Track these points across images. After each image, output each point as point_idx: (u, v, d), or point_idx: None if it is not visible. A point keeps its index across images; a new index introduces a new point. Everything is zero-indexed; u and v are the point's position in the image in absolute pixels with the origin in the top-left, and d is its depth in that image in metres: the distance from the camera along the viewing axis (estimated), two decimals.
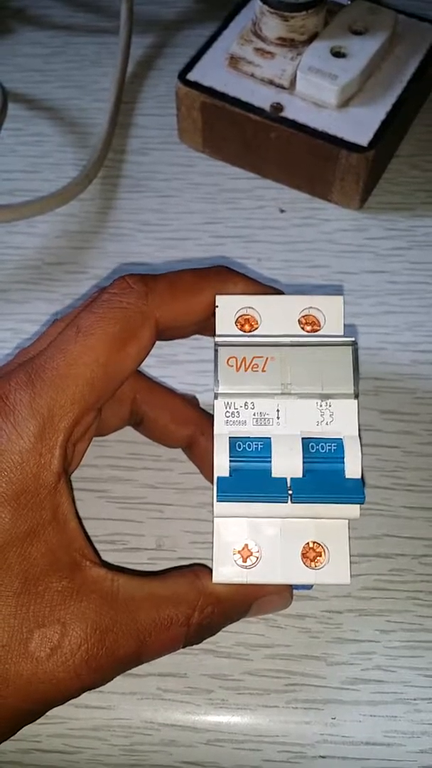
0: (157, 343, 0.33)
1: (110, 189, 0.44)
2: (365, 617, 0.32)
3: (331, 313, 0.28)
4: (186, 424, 0.33)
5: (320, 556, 0.27)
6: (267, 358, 0.27)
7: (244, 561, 0.27)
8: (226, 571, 0.27)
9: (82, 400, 0.27)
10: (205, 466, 0.33)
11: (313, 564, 0.27)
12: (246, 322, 0.28)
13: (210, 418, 0.33)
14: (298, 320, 0.28)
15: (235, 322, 0.28)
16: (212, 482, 0.33)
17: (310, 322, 0.28)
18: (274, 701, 0.31)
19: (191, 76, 0.42)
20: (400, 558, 0.33)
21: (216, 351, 0.27)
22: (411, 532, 0.34)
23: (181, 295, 0.29)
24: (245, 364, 0.27)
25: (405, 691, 0.31)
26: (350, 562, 0.27)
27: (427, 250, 0.41)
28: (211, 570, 0.27)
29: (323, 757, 0.30)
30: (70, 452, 0.28)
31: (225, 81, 0.42)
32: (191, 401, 0.36)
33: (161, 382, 0.37)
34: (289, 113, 0.41)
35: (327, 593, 0.33)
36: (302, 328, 0.28)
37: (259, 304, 0.28)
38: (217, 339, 0.28)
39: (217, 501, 0.26)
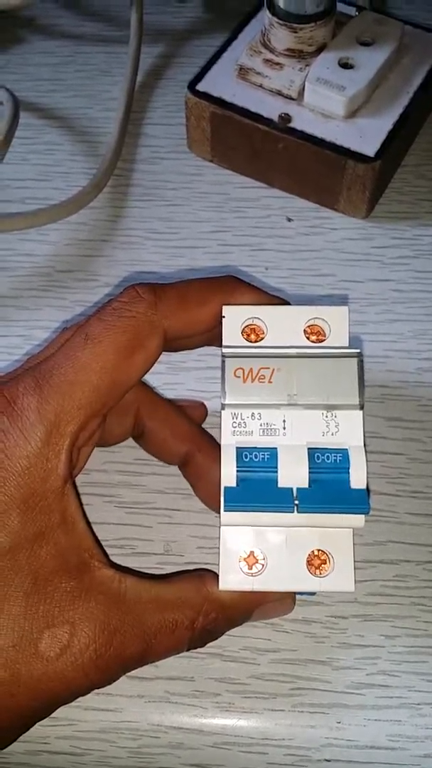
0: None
1: (120, 198, 0.44)
2: (370, 622, 0.33)
3: (337, 323, 0.28)
4: (184, 441, 0.33)
5: (325, 564, 0.27)
6: (273, 369, 0.27)
7: (250, 568, 0.27)
8: (232, 579, 0.27)
9: (88, 406, 0.27)
10: (200, 484, 0.33)
11: (318, 572, 0.27)
12: (252, 332, 0.28)
13: (209, 436, 0.34)
14: (304, 330, 0.28)
15: (241, 332, 0.29)
16: (204, 502, 0.33)
17: (315, 332, 0.28)
18: (280, 705, 0.31)
19: (201, 86, 0.43)
20: (404, 564, 0.34)
21: (223, 362, 0.28)
22: (416, 539, 0.34)
23: (189, 305, 0.29)
24: (252, 375, 0.27)
25: (409, 695, 0.31)
26: (355, 571, 0.27)
27: None
28: (216, 575, 0.28)
29: (328, 760, 0.31)
30: (75, 456, 0.28)
31: (234, 91, 0.43)
32: (199, 408, 0.36)
33: (170, 388, 0.38)
34: (297, 124, 0.42)
35: (332, 598, 0.33)
36: (307, 338, 0.28)
37: (265, 315, 0.29)
38: (224, 350, 0.28)
39: (224, 510, 0.26)
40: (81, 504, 0.28)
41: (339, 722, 0.31)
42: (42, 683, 0.26)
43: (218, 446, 0.32)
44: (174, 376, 0.38)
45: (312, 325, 0.28)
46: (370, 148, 0.41)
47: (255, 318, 0.29)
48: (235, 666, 0.32)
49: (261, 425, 0.27)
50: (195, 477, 0.34)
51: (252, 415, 0.27)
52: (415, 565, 0.34)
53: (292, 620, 0.32)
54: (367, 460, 0.27)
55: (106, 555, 0.28)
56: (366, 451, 0.27)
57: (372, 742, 0.31)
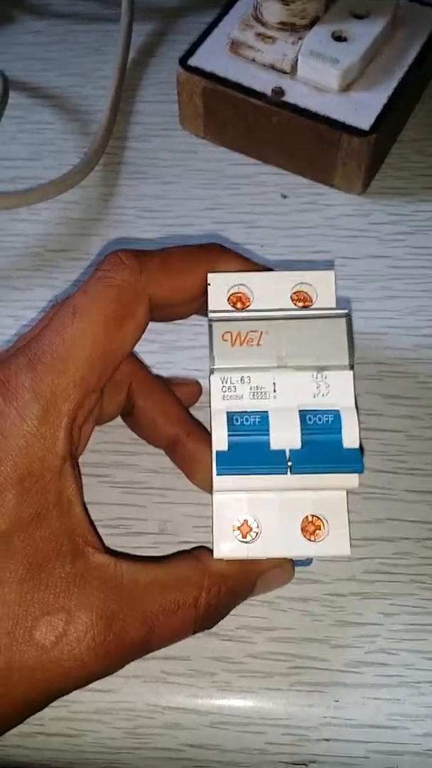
0: (160, 328, 0.33)
1: (112, 176, 0.44)
2: (368, 600, 0.32)
3: (323, 287, 0.28)
4: (173, 423, 0.33)
5: (320, 529, 0.27)
6: (261, 332, 0.27)
7: (244, 537, 0.27)
8: (226, 547, 0.27)
9: (83, 382, 0.27)
10: (190, 469, 0.33)
11: (312, 537, 0.27)
12: (238, 300, 0.28)
13: (198, 421, 0.33)
14: (290, 296, 0.28)
15: (228, 300, 0.28)
16: (197, 485, 0.33)
17: (301, 299, 0.28)
18: (277, 684, 0.31)
19: (192, 61, 0.42)
20: (403, 541, 0.33)
21: (210, 327, 0.27)
22: (414, 516, 0.34)
23: (174, 272, 0.28)
24: (240, 339, 0.27)
25: (408, 674, 0.31)
26: (350, 534, 0.27)
27: (430, 235, 0.41)
28: (212, 551, 0.27)
29: (327, 739, 0.30)
30: (76, 435, 0.28)
31: (226, 66, 0.42)
32: (193, 386, 0.36)
33: (164, 367, 0.37)
34: (290, 98, 0.41)
35: (329, 576, 0.32)
36: (294, 304, 0.28)
37: (251, 281, 0.28)
38: (210, 315, 0.27)
39: (216, 475, 0.26)
40: (80, 486, 0.27)
41: (337, 701, 0.31)
42: (37, 672, 0.25)
43: (207, 431, 0.32)
44: (168, 355, 0.38)
45: (298, 291, 0.28)
46: (365, 122, 0.40)
47: (241, 285, 0.28)
48: (232, 645, 0.31)
49: (251, 389, 0.27)
50: (185, 461, 0.33)
51: (241, 379, 0.27)
52: (414, 542, 0.33)
53: (289, 598, 0.32)
54: (359, 420, 0.26)
55: (101, 540, 0.27)
56: (358, 411, 0.26)
57: (371, 721, 0.30)
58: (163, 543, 0.33)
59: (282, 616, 0.32)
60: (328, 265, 0.40)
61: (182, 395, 0.35)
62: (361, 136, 0.40)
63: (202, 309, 0.29)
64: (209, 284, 0.28)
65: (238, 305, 0.28)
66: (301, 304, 0.28)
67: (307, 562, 0.31)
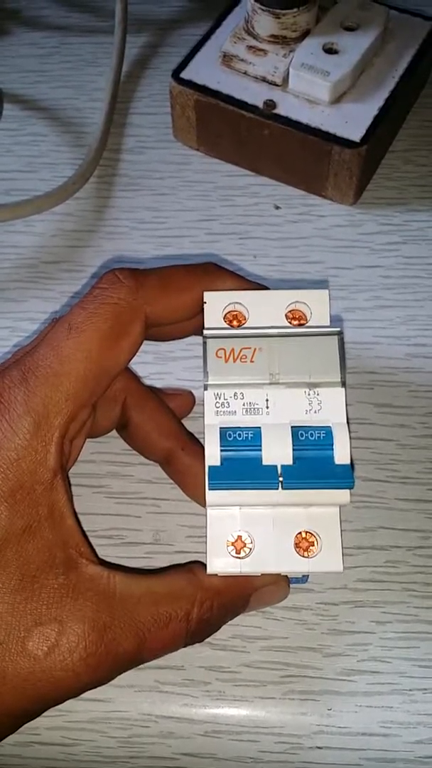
0: None
1: (106, 188, 0.44)
2: (361, 609, 0.32)
3: (317, 307, 0.29)
4: (167, 437, 0.33)
5: (313, 545, 0.27)
6: (255, 349, 0.27)
7: (238, 552, 0.27)
8: (220, 563, 0.27)
9: (75, 397, 0.27)
10: (184, 482, 0.33)
11: (306, 553, 0.27)
12: (234, 318, 0.29)
13: (192, 435, 0.34)
14: (285, 315, 0.29)
15: (223, 318, 0.29)
16: (192, 498, 0.33)
17: (296, 317, 0.28)
18: (270, 693, 0.31)
19: (185, 74, 0.43)
20: (395, 550, 0.34)
21: (205, 343, 0.28)
22: (406, 524, 0.34)
23: (170, 291, 0.29)
24: (233, 356, 0.27)
25: (400, 681, 0.31)
26: (343, 550, 0.27)
27: (421, 245, 0.42)
28: (206, 566, 0.27)
29: (320, 747, 0.31)
30: (67, 449, 0.28)
31: (218, 79, 0.42)
32: (187, 397, 0.36)
33: (158, 378, 0.38)
34: (282, 110, 0.41)
35: (323, 585, 0.33)
36: (289, 323, 0.28)
37: (247, 300, 0.29)
38: (205, 331, 0.28)
39: (209, 490, 0.26)
40: (71, 499, 0.28)
41: (330, 709, 0.31)
42: (29, 682, 0.26)
43: (201, 445, 0.32)
44: (162, 365, 0.38)
45: (293, 310, 0.29)
46: (355, 134, 0.40)
47: (236, 303, 0.29)
48: (225, 654, 0.32)
49: (244, 405, 0.27)
50: (179, 474, 0.33)
51: (234, 395, 0.27)
52: (406, 550, 0.33)
53: (282, 607, 0.32)
54: (350, 437, 0.27)
55: (93, 551, 0.28)
56: (349, 428, 0.27)
57: (364, 729, 0.31)
58: (157, 553, 0.34)
59: (275, 625, 0.32)
60: (321, 280, 0.41)
61: (175, 406, 0.35)
62: (352, 148, 0.40)
63: (199, 329, 0.29)
64: (205, 302, 0.29)
65: (234, 323, 0.29)
66: (296, 322, 0.28)
67: (303, 579, 0.31)
